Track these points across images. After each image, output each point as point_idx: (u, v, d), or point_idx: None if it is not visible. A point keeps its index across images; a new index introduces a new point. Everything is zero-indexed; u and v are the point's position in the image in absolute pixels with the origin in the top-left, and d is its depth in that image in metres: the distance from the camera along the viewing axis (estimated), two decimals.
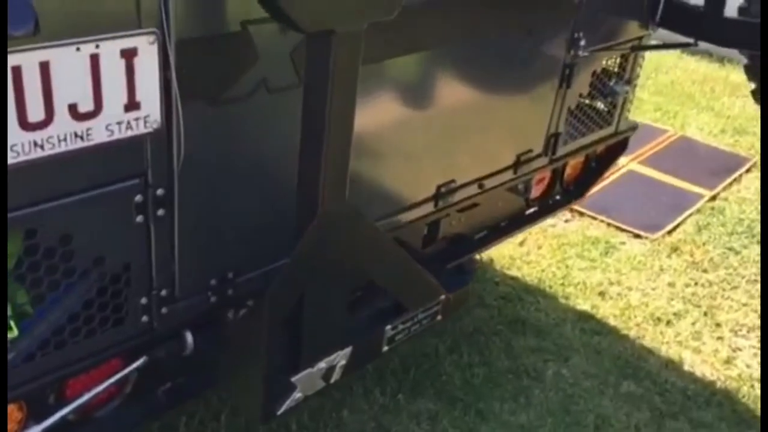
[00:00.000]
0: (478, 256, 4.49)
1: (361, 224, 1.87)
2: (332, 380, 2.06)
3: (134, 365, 1.98)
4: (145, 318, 1.90)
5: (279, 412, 1.95)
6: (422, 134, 2.47)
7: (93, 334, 1.82)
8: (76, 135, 1.57)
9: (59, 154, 1.55)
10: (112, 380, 1.94)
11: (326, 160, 1.68)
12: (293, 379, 1.94)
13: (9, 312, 1.65)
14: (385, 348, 2.21)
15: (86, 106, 1.56)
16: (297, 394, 1.96)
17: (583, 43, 2.80)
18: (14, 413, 1.85)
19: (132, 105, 1.63)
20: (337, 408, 3.31)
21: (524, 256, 4.67)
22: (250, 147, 1.87)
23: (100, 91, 1.56)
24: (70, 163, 1.60)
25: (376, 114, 2.24)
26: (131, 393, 2.10)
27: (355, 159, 2.20)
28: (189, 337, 2.04)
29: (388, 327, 2.18)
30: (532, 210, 3.34)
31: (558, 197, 3.47)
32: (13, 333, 1.65)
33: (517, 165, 2.89)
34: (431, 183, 2.57)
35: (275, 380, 1.91)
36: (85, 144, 1.59)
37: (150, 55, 1.61)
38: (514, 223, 3.28)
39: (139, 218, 1.76)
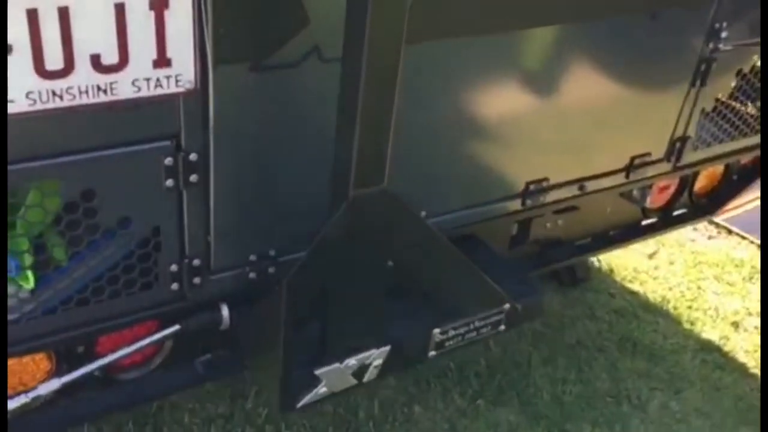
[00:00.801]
0: (595, 264, 4.17)
1: (401, 213, 1.67)
2: (366, 379, 1.90)
3: (166, 332, 1.92)
4: (175, 285, 1.83)
5: (300, 404, 1.82)
6: (514, 124, 2.22)
7: (119, 295, 1.77)
8: (99, 88, 1.50)
9: (82, 106, 1.49)
10: (142, 343, 1.90)
11: (360, 136, 1.50)
12: (317, 372, 1.80)
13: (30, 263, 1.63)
14: (433, 353, 2.01)
15: (110, 58, 1.48)
16: (322, 389, 1.83)
17: (725, 35, 2.41)
18: (43, 363, 1.85)
19: (162, 61, 1.53)
20: (410, 403, 3.16)
21: (652, 270, 4.24)
22: (297, 119, 1.73)
23: (126, 43, 1.47)
24: (97, 116, 1.54)
25: (465, 95, 2.05)
26: (168, 359, 2.06)
27: (431, 141, 2.05)
28: (225, 311, 1.95)
29: (437, 331, 1.98)
30: (649, 221, 2.97)
31: (685, 210, 3.06)
32: (30, 284, 1.63)
33: (629, 169, 2.56)
34: (519, 179, 2.32)
35: (296, 371, 1.78)
36: (109, 98, 1.51)
37: (183, 8, 1.50)
38: (627, 233, 2.94)
39: (169, 182, 1.68)
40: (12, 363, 1.79)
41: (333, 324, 1.76)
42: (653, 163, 2.60)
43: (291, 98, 1.71)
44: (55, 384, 1.79)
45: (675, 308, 3.92)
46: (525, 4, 1.97)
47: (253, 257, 1.89)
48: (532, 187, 2.34)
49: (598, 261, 4.22)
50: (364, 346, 1.84)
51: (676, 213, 3.04)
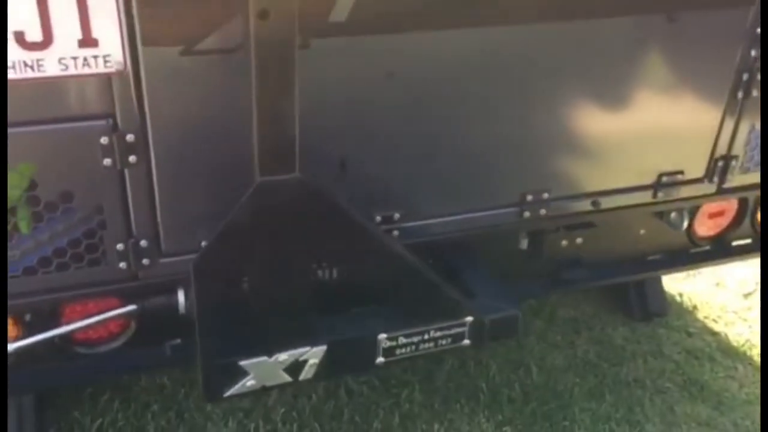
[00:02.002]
0: (675, 298, 3.81)
1: (319, 204, 1.61)
2: (302, 377, 1.84)
3: (122, 310, 1.98)
4: (122, 264, 1.87)
5: (226, 395, 1.80)
6: (514, 127, 2.08)
7: (67, 268, 1.84)
8: (25, 64, 1.57)
9: (11, 80, 1.57)
10: (97, 318, 1.96)
11: (259, 124, 1.47)
12: (242, 364, 1.77)
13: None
14: (381, 360, 1.91)
15: (34, 35, 1.55)
16: (250, 381, 1.79)
17: None
18: (10, 328, 1.97)
19: (88, 41, 1.58)
20: (432, 420, 3.02)
21: (744, 310, 3.81)
22: (233, 102, 1.72)
23: (48, 21, 1.54)
24: (33, 92, 1.62)
25: (464, 96, 1.97)
26: (134, 338, 2.11)
27: (417, 143, 1.97)
28: (181, 296, 1.98)
29: (383, 336, 1.88)
30: (699, 249, 2.66)
31: (749, 240, 2.71)
32: None
33: (657, 187, 2.31)
34: (514, 188, 2.16)
35: (219, 360, 1.76)
36: (37, 75, 1.59)
37: None
38: (670, 260, 2.64)
39: (107, 161, 1.73)
40: None
41: (255, 315, 1.73)
42: (688, 182, 2.33)
43: (228, 82, 1.71)
44: (10, 347, 1.89)
45: (760, 356, 3.49)
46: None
47: (204, 243, 1.90)
48: (529, 197, 2.17)
49: (680, 296, 3.85)
50: (291, 342, 1.79)
51: (736, 243, 2.70)
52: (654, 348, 3.50)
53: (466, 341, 1.97)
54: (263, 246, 1.63)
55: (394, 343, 1.90)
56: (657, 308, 3.61)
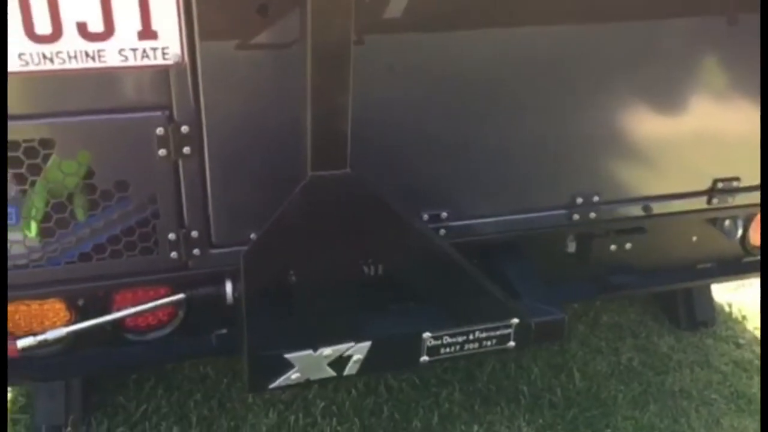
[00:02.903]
0: (724, 308, 3.72)
1: (369, 200, 1.61)
2: (346, 372, 1.85)
3: (171, 298, 2.02)
4: (174, 254, 1.90)
5: (271, 387, 1.82)
6: (566, 129, 2.05)
7: (120, 256, 1.88)
8: (87, 55, 1.61)
9: (72, 70, 1.61)
10: (147, 306, 2.00)
11: (313, 119, 1.48)
12: (288, 357, 1.78)
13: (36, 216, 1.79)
14: (425, 358, 1.91)
15: (96, 26, 1.58)
16: (295, 374, 1.80)
17: None
18: (62, 312, 2.02)
19: (147, 33, 1.61)
20: (471, 422, 3.01)
21: None
22: (288, 97, 1.73)
23: (110, 13, 1.58)
24: (90, 82, 1.66)
25: (516, 95, 1.96)
26: (181, 326, 2.15)
27: (466, 141, 1.97)
28: (229, 286, 2.00)
29: (428, 335, 1.87)
30: (753, 258, 2.60)
31: None
32: (31, 233, 1.79)
33: (711, 193, 2.26)
34: (564, 190, 2.14)
35: (264, 352, 1.78)
36: (98, 65, 1.62)
37: None
38: (721, 269, 2.58)
39: (162, 151, 1.76)
40: (32, 306, 1.98)
41: (301, 308, 1.74)
42: (744, 189, 2.27)
43: (282, 77, 1.72)
44: (61, 332, 1.94)
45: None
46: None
47: (253, 235, 1.92)
48: (579, 200, 2.14)
49: (729, 306, 3.76)
50: (335, 336, 1.79)
51: None
52: (701, 358, 3.42)
53: (511, 343, 1.95)
54: (312, 240, 1.64)
55: (438, 342, 1.89)
56: (705, 317, 3.53)
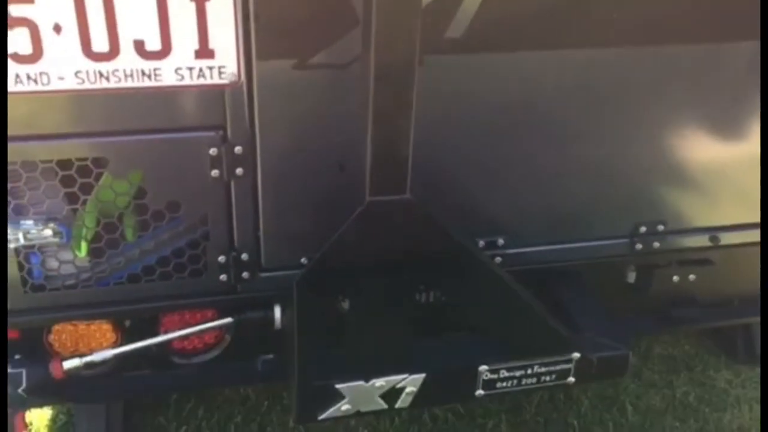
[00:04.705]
0: None
1: (428, 227, 1.54)
2: (398, 405, 1.77)
3: (218, 322, 1.97)
4: (223, 277, 1.86)
5: (320, 418, 1.75)
6: (630, 154, 1.97)
7: (169, 278, 1.84)
8: (143, 73, 1.58)
9: (128, 88, 1.58)
10: (193, 329, 1.96)
11: (374, 142, 1.42)
12: (339, 387, 1.72)
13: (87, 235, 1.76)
14: (480, 392, 1.82)
15: (153, 45, 1.55)
16: (345, 405, 1.73)
17: None
18: (108, 333, 1.98)
19: (204, 52, 1.58)
20: None
21: None
22: (345, 119, 1.68)
23: (168, 31, 1.54)
24: (145, 101, 1.62)
25: (578, 120, 1.89)
26: (228, 350, 2.10)
27: (525, 166, 1.90)
28: (278, 311, 1.95)
29: (484, 368, 1.79)
30: None
31: None
32: (81, 253, 1.76)
33: None
34: (627, 218, 2.05)
35: (315, 382, 1.71)
36: (154, 84, 1.59)
37: (224, 2, 1.54)
38: None
39: (215, 172, 1.72)
40: (79, 327, 1.95)
41: (354, 338, 1.68)
42: None
43: (339, 98, 1.67)
44: (108, 354, 1.91)
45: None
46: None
47: (304, 260, 1.87)
48: (642, 228, 2.05)
49: None
50: (389, 368, 1.72)
51: None
52: (760, 394, 3.26)
53: (571, 379, 1.86)
54: (368, 267, 1.58)
55: (495, 376, 1.81)
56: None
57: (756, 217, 2.14)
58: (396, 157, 1.47)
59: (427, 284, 1.68)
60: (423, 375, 1.76)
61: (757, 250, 2.22)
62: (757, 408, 3.18)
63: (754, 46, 1.91)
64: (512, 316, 1.76)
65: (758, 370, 3.39)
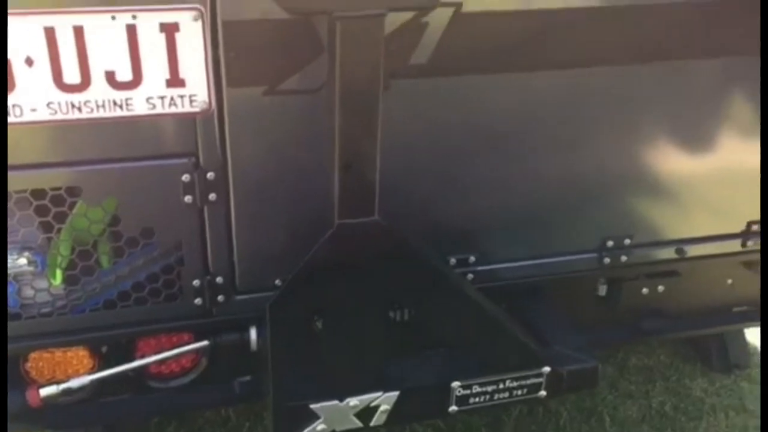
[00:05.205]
0: (758, 349, 3.62)
1: (398, 248, 1.58)
2: (373, 423, 1.80)
3: (195, 345, 1.99)
4: (198, 301, 1.88)
5: None
6: (596, 171, 2.02)
7: (144, 303, 1.86)
8: (114, 103, 1.61)
9: (100, 119, 1.61)
10: (169, 353, 1.97)
11: (340, 166, 1.46)
12: (314, 407, 1.74)
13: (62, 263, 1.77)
14: (454, 408, 1.85)
15: (124, 75, 1.58)
16: (320, 425, 1.76)
17: None
18: (86, 359, 1.99)
19: (175, 81, 1.61)
20: None
21: None
22: (314, 143, 1.71)
23: (138, 62, 1.58)
24: (118, 130, 1.65)
25: (543, 138, 1.93)
26: (205, 373, 2.11)
27: (494, 185, 1.94)
28: (253, 333, 1.97)
29: (456, 384, 1.82)
30: None
31: None
32: (56, 281, 1.77)
33: (746, 235, 2.20)
34: (594, 233, 2.10)
35: (290, 402, 1.73)
36: (125, 113, 1.62)
37: (193, 32, 1.57)
38: (757, 312, 2.51)
39: (188, 198, 1.74)
40: (55, 354, 1.96)
41: (328, 358, 1.71)
42: None
43: (309, 123, 1.71)
44: (85, 380, 1.92)
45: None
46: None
47: (278, 282, 1.90)
48: (610, 243, 2.10)
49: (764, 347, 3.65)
50: (363, 386, 1.75)
51: None
52: (735, 402, 3.31)
53: (543, 392, 1.90)
54: (339, 288, 1.61)
55: (468, 392, 1.84)
56: (738, 359, 3.43)
57: (720, 229, 2.20)
58: (363, 180, 1.51)
59: (399, 303, 1.71)
60: (397, 393, 1.79)
61: (723, 260, 2.27)
62: (733, 415, 3.23)
63: (717, 63, 1.97)
64: (483, 332, 1.79)
65: (732, 377, 3.44)
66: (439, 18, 1.66)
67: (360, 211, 1.54)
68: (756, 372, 3.48)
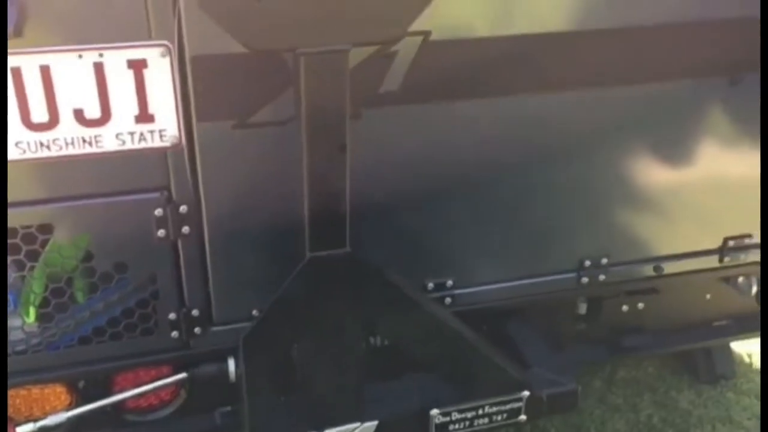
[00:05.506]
0: (744, 359, 3.63)
1: (370, 279, 1.58)
2: None
3: (173, 378, 1.97)
4: (174, 334, 1.87)
5: None
6: (569, 192, 2.03)
7: (120, 338, 1.85)
8: (84, 140, 1.60)
9: (69, 156, 1.60)
10: (147, 387, 1.96)
11: (310, 198, 1.46)
12: None
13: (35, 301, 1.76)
14: None
15: (93, 112, 1.58)
16: None
17: None
18: (63, 395, 1.98)
19: (144, 117, 1.61)
20: None
21: None
22: (286, 175, 1.71)
23: (107, 99, 1.57)
24: (88, 166, 1.65)
25: (518, 161, 1.93)
26: (184, 405, 2.10)
27: (470, 208, 1.94)
28: (231, 364, 1.96)
29: (435, 411, 1.82)
30: None
31: None
32: (30, 319, 1.76)
33: (723, 251, 2.21)
34: (571, 253, 2.10)
35: None
36: (95, 150, 1.62)
37: (161, 68, 1.57)
38: (738, 325, 2.52)
39: (161, 232, 1.74)
40: (32, 391, 1.94)
41: (305, 390, 1.70)
42: (757, 246, 2.23)
43: (280, 154, 1.70)
44: (62, 417, 1.90)
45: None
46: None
47: (255, 312, 1.89)
48: (587, 263, 2.10)
49: (749, 356, 3.67)
50: (340, 417, 1.74)
51: None
52: (722, 413, 3.32)
53: (523, 417, 1.89)
54: (313, 320, 1.60)
55: (447, 419, 1.84)
56: (724, 370, 3.44)
57: (698, 245, 2.21)
58: (333, 212, 1.51)
59: (375, 333, 1.71)
60: (375, 422, 1.78)
61: (702, 276, 2.28)
62: (719, 427, 3.23)
63: (690, 84, 1.98)
64: (461, 359, 1.79)
65: (719, 388, 3.45)
66: (408, 46, 1.67)
67: (331, 243, 1.54)
68: (741, 382, 3.49)
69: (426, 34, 1.67)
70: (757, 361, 3.63)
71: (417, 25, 1.53)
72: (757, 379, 3.54)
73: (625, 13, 1.79)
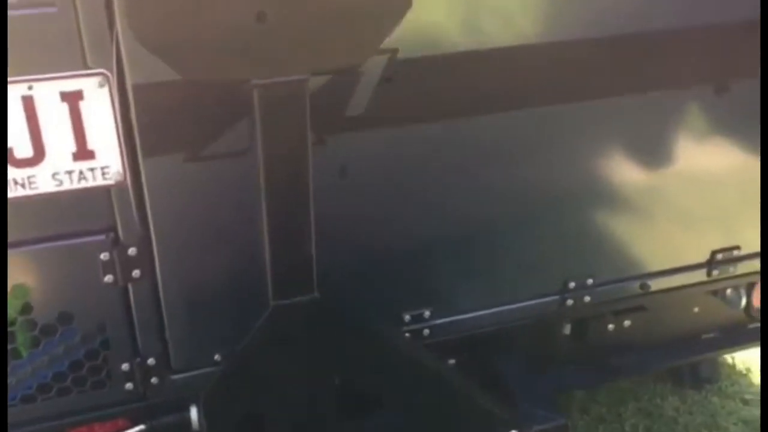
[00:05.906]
0: (727, 361, 3.56)
1: (340, 326, 1.43)
2: None
3: (131, 431, 1.81)
4: (129, 385, 1.71)
5: None
6: (550, 214, 1.90)
7: (69, 393, 1.68)
8: (15, 182, 1.43)
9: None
10: None
11: (272, 245, 1.31)
12: None
13: None
14: None
15: (24, 151, 1.41)
16: None
17: None
18: None
19: (83, 153, 1.45)
20: None
21: None
22: (241, 211, 1.56)
23: (39, 135, 1.41)
24: (24, 210, 1.48)
25: (496, 184, 1.81)
26: None
27: (446, 235, 1.81)
28: (194, 412, 1.80)
29: None
30: (759, 323, 2.44)
31: None
32: None
33: (711, 265, 2.11)
34: (555, 276, 1.98)
35: None
36: (29, 192, 1.45)
37: (100, 99, 1.41)
38: (728, 338, 2.43)
39: (108, 278, 1.58)
40: None
41: None
42: (745, 258, 2.13)
43: (237, 188, 1.55)
44: None
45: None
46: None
47: (218, 357, 1.74)
48: (572, 284, 1.99)
49: (732, 359, 3.60)
50: None
51: None
52: (708, 419, 3.24)
53: None
54: (280, 372, 1.46)
55: None
56: (709, 374, 3.37)
57: (684, 261, 2.11)
58: (298, 254, 1.36)
59: (347, 380, 1.56)
60: None
61: (689, 291, 2.18)
62: None
63: (675, 94, 1.87)
64: (444, 404, 1.65)
65: (704, 393, 3.37)
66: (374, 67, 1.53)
67: (297, 290, 1.39)
68: (726, 385, 3.42)
69: (393, 51, 1.53)
70: (740, 364, 3.56)
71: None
72: (742, 381, 3.48)
73: (602, 23, 1.67)
